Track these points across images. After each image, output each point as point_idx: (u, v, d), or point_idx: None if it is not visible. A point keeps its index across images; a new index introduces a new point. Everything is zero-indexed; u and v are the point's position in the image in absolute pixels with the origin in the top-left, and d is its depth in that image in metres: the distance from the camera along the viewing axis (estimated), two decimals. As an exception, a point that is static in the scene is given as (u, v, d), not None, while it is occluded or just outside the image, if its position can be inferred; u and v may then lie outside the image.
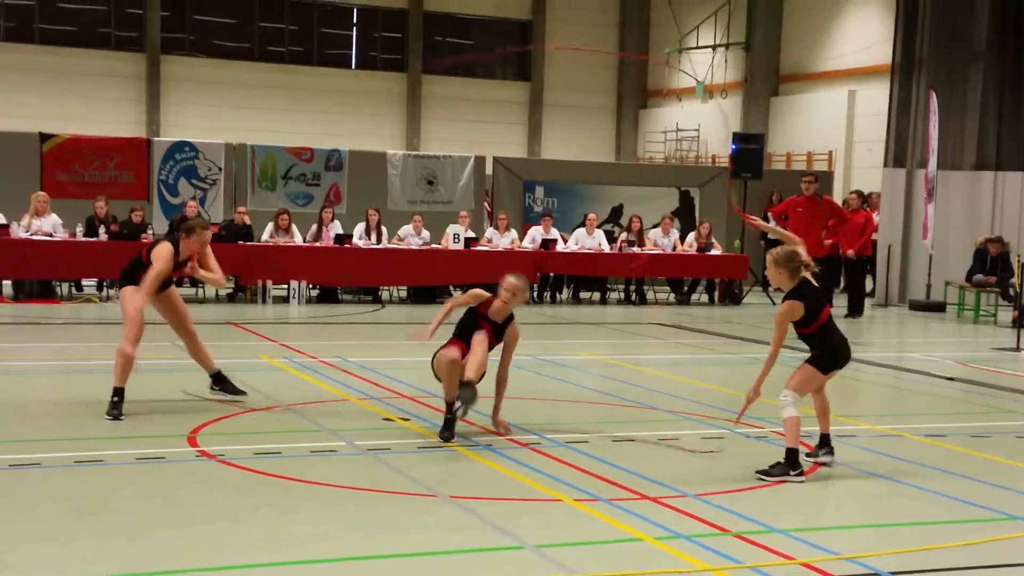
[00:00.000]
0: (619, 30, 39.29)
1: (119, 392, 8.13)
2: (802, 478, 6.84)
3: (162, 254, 8.34)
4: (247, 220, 18.05)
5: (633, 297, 19.65)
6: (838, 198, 23.21)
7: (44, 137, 19.29)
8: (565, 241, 19.38)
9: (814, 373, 7.04)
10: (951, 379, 11.43)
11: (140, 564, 4.96)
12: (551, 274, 19.25)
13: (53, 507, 5.81)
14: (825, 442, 7.28)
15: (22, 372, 10.61)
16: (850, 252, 17.86)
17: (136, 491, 6.29)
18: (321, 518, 5.78)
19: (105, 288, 17.14)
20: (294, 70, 36.53)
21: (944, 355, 13.56)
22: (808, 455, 7.24)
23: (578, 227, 19.90)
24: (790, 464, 6.84)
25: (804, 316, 6.98)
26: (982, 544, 5.68)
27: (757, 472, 6.89)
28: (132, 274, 8.49)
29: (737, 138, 21.41)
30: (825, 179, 23.05)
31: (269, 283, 17.39)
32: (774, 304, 19.39)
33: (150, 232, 16.59)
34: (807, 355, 7.15)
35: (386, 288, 18.83)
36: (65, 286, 17.42)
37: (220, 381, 8.92)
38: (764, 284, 21.14)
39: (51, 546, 5.19)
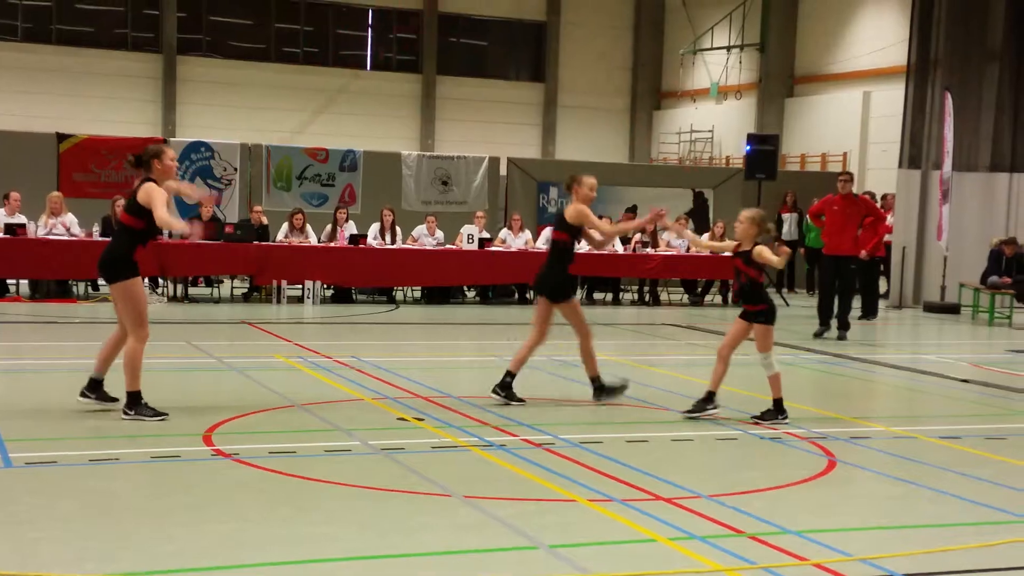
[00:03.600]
0: (634, 31, 39.28)
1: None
2: (787, 421, 8.43)
3: (152, 190, 7.84)
4: (264, 220, 18.10)
5: (647, 298, 19.65)
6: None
7: (61, 137, 19.41)
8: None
9: (769, 328, 8.53)
10: (966, 381, 11.39)
11: (156, 563, 4.99)
12: (565, 275, 19.23)
13: (70, 506, 5.84)
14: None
15: (39, 371, 10.69)
16: (862, 253, 17.81)
17: (152, 490, 6.32)
18: (335, 517, 5.81)
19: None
20: (309, 71, 36.58)
21: (959, 357, 13.51)
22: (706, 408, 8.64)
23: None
24: (778, 410, 8.48)
25: (761, 267, 8.49)
26: (997, 546, 5.67)
27: (752, 416, 8.47)
28: (124, 260, 7.96)
29: (752, 139, 21.40)
30: (840, 180, 22.96)
31: (284, 283, 17.46)
32: (788, 305, 19.36)
33: (165, 232, 16.59)
34: (751, 342, 8.68)
35: (400, 288, 18.87)
36: (82, 285, 17.50)
37: (95, 388, 8.30)
38: (778, 285, 21.11)
39: (69, 544, 5.22)
